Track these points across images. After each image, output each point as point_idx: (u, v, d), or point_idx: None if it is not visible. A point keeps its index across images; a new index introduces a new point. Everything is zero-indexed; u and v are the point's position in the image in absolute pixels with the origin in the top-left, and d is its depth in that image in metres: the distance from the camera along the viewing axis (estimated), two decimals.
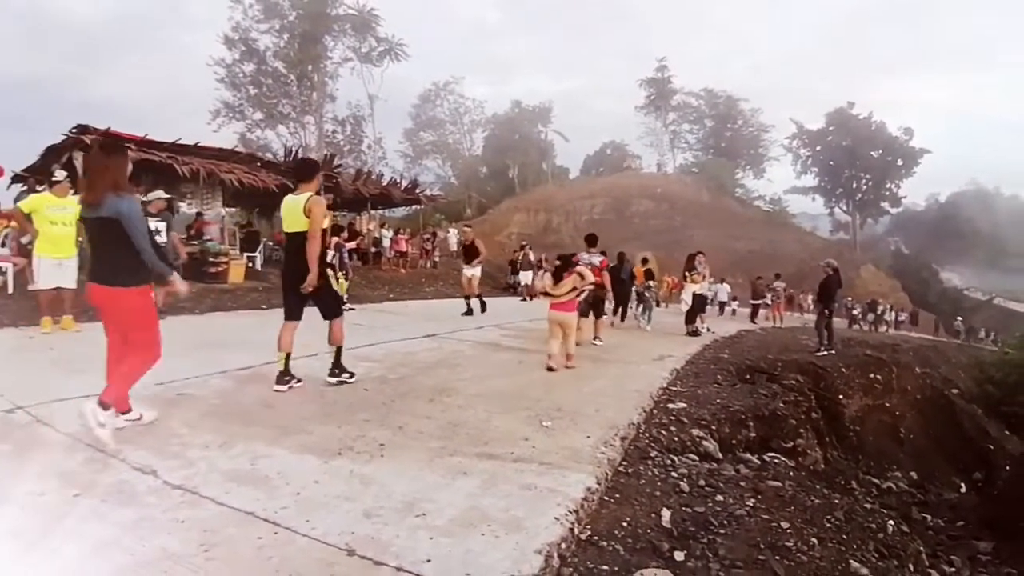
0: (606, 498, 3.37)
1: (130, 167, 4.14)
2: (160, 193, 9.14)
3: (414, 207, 26.43)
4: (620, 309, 12.65)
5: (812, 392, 8.24)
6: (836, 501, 4.13)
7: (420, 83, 59.85)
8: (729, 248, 41.20)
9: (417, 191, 23.01)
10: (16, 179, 13.69)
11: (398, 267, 20.60)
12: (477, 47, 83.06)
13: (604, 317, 10.01)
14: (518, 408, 4.81)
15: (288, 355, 5.01)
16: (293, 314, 5.08)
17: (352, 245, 12.60)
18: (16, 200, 13.22)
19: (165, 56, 68.20)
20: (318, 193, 5.02)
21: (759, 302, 19.90)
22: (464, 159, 58.71)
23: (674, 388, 6.52)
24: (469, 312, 11.35)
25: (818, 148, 61.76)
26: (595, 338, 9.20)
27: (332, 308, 5.25)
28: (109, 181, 3.63)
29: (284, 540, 2.51)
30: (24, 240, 8.54)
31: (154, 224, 8.52)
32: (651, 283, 13.49)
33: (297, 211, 4.88)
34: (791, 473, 4.77)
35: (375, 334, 8.44)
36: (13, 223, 8.96)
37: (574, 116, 77.92)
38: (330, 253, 11.84)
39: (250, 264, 15.26)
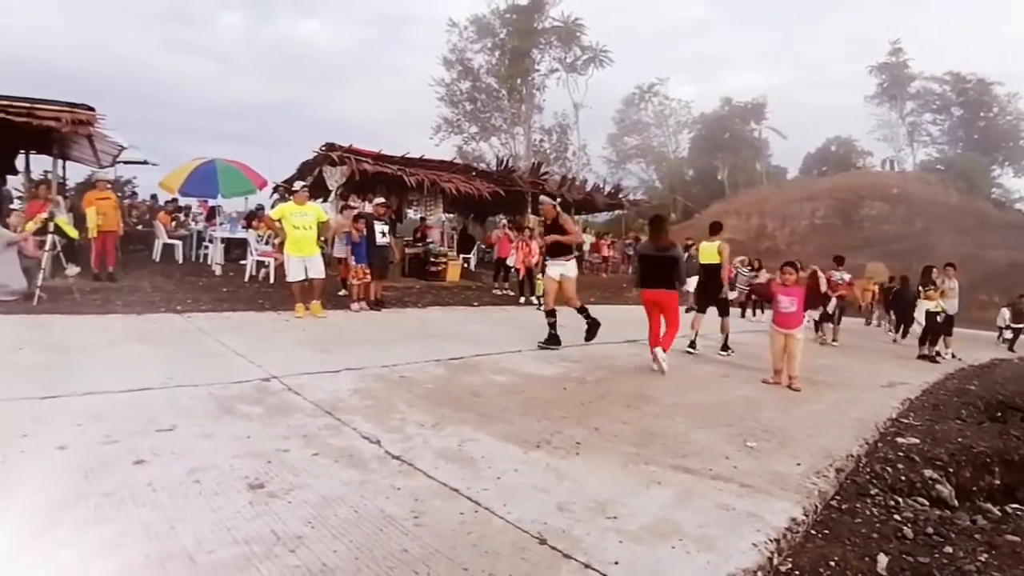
0: (813, 532, 3.05)
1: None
2: (380, 199, 10.62)
3: (617, 212, 26.40)
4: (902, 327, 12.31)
5: None
6: None
7: (624, 87, 59.12)
8: (983, 259, 34.39)
9: (620, 196, 22.98)
10: (275, 189, 16.40)
11: (599, 272, 20.72)
12: (682, 45, 79.91)
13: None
14: (720, 424, 4.56)
15: (697, 332, 8.15)
16: (703, 309, 8.50)
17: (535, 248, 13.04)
18: (273, 207, 15.94)
19: (394, 79, 76.72)
20: (724, 240, 8.30)
21: (1020, 326, 16.27)
22: (669, 162, 56.75)
23: (905, 421, 5.66)
24: (553, 340, 7.47)
25: None
26: (832, 340, 10.96)
27: (726, 309, 8.54)
28: (671, 240, 6.89)
29: (483, 519, 2.65)
30: (276, 241, 10.22)
31: (379, 227, 9.71)
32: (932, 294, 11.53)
33: (712, 251, 8.41)
34: None
35: (575, 336, 8.57)
36: (264, 226, 11.10)
37: (792, 110, 71.16)
38: (535, 257, 12.45)
39: (465, 264, 16.53)
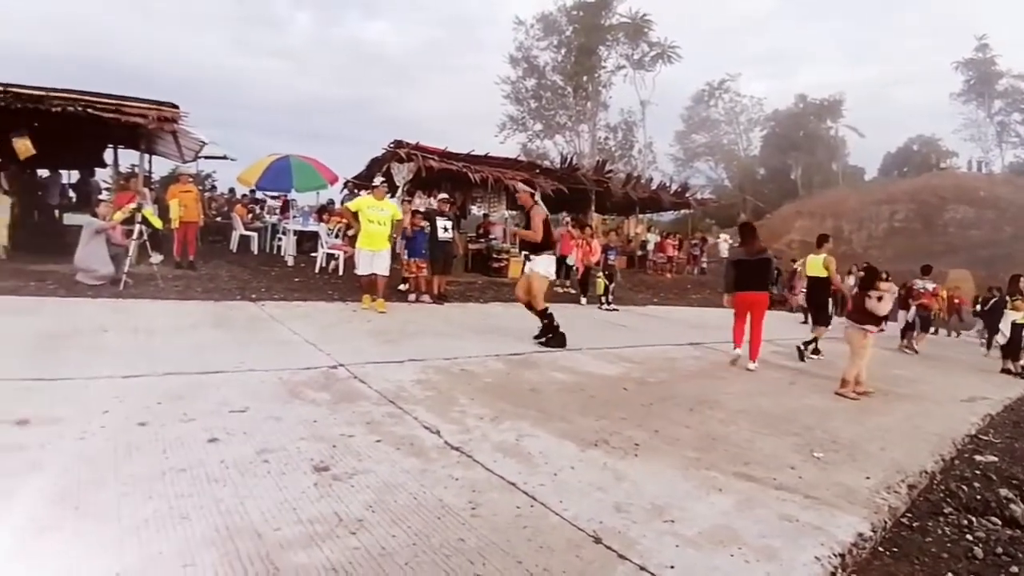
0: (881, 549, 2.90)
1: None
2: (444, 195, 11.02)
3: (683, 211, 25.83)
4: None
5: None
6: None
7: (693, 84, 57.74)
8: None
9: (687, 195, 22.48)
10: (345, 185, 16.87)
11: (664, 272, 20.35)
12: (755, 40, 76.83)
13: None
14: (786, 432, 4.40)
15: (816, 340, 8.28)
16: (816, 321, 8.82)
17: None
18: (342, 202, 16.44)
19: (461, 77, 77.74)
20: (829, 253, 8.53)
21: None
22: (739, 160, 54.99)
23: (984, 438, 5.32)
24: (553, 339, 6.93)
25: None
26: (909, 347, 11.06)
27: (826, 320, 8.68)
28: (762, 245, 7.20)
29: (539, 514, 2.65)
30: (350, 233, 10.50)
31: (442, 222, 9.87)
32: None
33: (818, 264, 8.58)
34: None
35: (637, 336, 8.49)
36: (343, 219, 11.36)
37: (871, 108, 67.37)
38: (596, 255, 12.32)
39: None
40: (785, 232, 42.00)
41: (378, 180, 8.91)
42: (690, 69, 71.28)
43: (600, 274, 12.03)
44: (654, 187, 21.39)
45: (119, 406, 3.47)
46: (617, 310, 11.42)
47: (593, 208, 19.03)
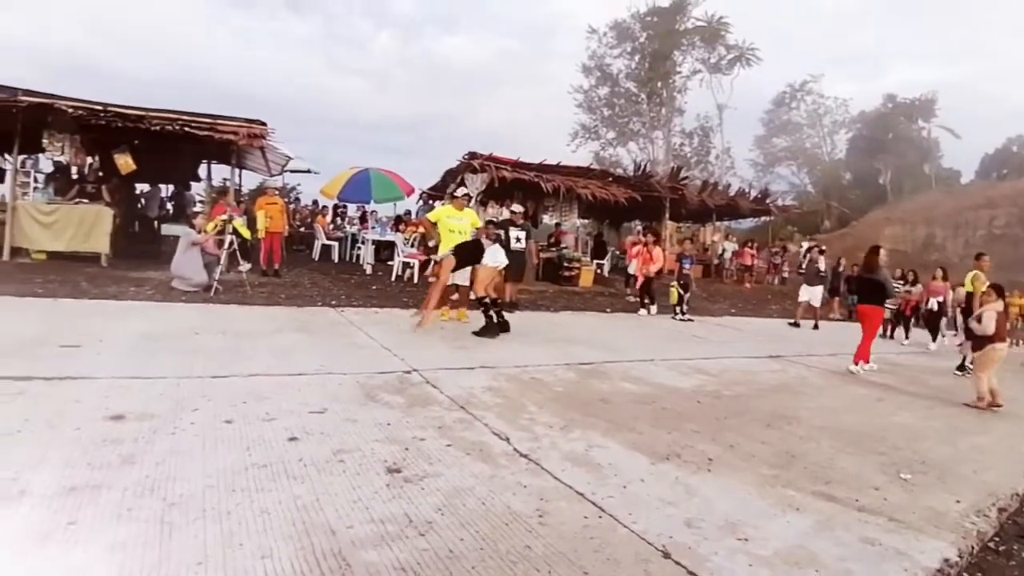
0: (965, 575, 2.69)
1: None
2: (517, 207, 11.05)
3: (763, 219, 24.89)
4: None
5: None
6: None
7: (773, 86, 55.43)
8: None
9: (767, 201, 21.65)
10: (421, 196, 17.29)
11: (742, 281, 19.66)
12: (839, 39, 72.84)
13: None
14: (871, 452, 4.15)
15: (965, 359, 8.23)
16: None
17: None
18: (418, 213, 16.85)
19: (533, 87, 78.16)
20: (980, 270, 8.42)
21: None
22: (823, 164, 52.10)
23: None
24: (487, 328, 7.22)
25: None
26: None
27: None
28: (878, 264, 7.73)
29: (607, 526, 2.61)
30: (430, 244, 10.74)
31: (515, 232, 9.95)
32: None
33: (968, 279, 8.47)
34: None
35: (712, 348, 8.23)
36: (421, 229, 11.63)
37: (966, 107, 62.03)
38: (658, 264, 11.88)
39: (598, 271, 16.41)
40: (873, 240, 39.31)
41: (460, 191, 9.04)
42: (770, 71, 68.71)
43: (674, 283, 11.70)
44: (732, 193, 20.74)
45: (208, 404, 3.68)
46: (692, 320, 11.11)
47: (667, 216, 18.65)
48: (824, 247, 15.14)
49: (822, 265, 13.03)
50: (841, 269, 15.90)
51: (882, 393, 6.42)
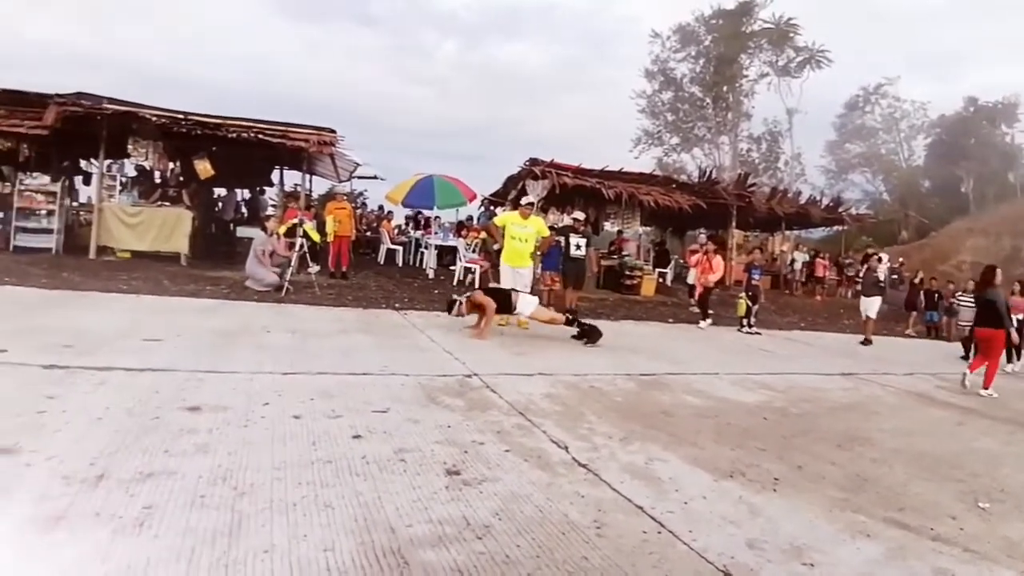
0: None
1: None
2: (578, 214, 10.99)
3: (835, 228, 23.85)
4: None
5: None
6: None
7: (846, 90, 52.73)
8: None
9: (839, 210, 20.75)
10: (483, 202, 17.47)
11: (813, 293, 18.90)
12: (918, 40, 68.64)
13: None
14: (948, 478, 3.91)
15: None
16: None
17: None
18: (479, 219, 17.01)
19: (595, 92, 77.65)
20: None
21: None
22: (900, 172, 49.09)
23: None
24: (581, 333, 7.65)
25: None
26: None
27: None
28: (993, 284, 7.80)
29: (666, 542, 2.55)
30: (495, 247, 10.84)
31: (575, 239, 9.91)
32: None
33: None
34: None
35: (779, 363, 7.95)
36: (483, 234, 11.72)
37: None
38: (717, 273, 11.40)
39: (661, 279, 16.13)
40: (954, 252, 36.91)
41: (525, 200, 9.06)
42: (842, 74, 65.55)
43: (742, 295, 11.32)
44: (802, 201, 20.00)
45: (278, 399, 3.83)
46: (760, 334, 10.74)
47: (734, 224, 18.16)
48: (882, 255, 14.11)
49: (881, 274, 12.05)
50: (918, 281, 15.07)
51: (962, 416, 6.03)
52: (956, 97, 54.95)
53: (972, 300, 10.89)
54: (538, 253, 9.32)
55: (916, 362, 9.70)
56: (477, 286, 10.61)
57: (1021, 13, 63.91)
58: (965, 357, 10.88)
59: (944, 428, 5.49)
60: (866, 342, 11.04)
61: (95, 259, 10.64)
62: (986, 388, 7.35)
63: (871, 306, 11.38)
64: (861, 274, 13.71)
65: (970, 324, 10.85)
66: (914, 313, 15.00)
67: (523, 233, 8.32)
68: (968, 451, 4.73)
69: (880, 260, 12.65)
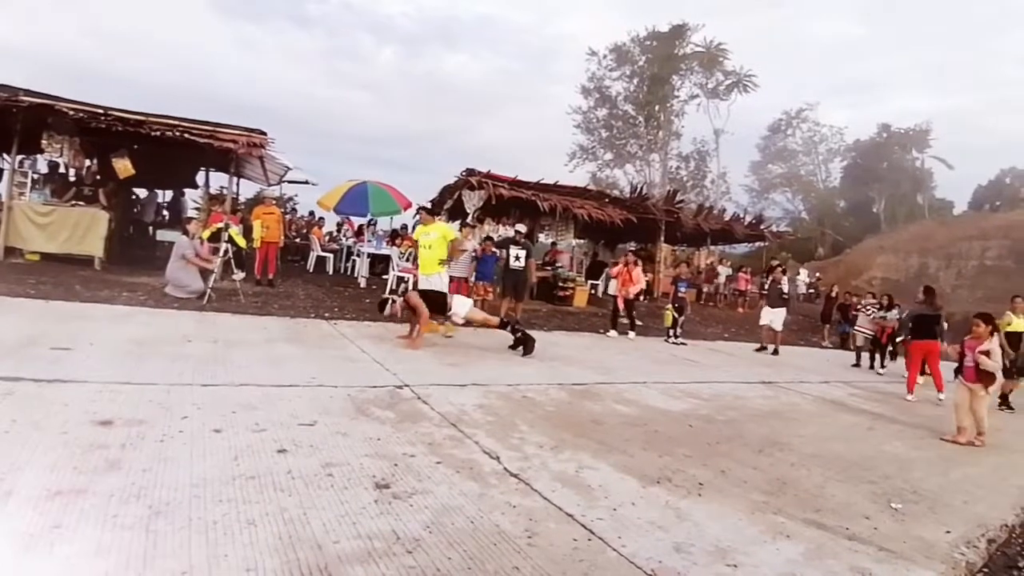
0: None
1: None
2: (520, 227, 11.17)
3: (757, 244, 25.03)
4: None
5: None
6: None
7: (769, 113, 56.01)
8: None
9: (761, 227, 21.80)
10: (418, 211, 17.25)
11: (736, 306, 19.73)
12: (836, 68, 73.90)
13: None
14: (862, 480, 4.16)
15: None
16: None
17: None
18: (413, 228, 16.82)
19: (532, 107, 79.01)
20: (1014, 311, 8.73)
21: None
22: (818, 192, 52.55)
23: None
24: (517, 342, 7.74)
25: None
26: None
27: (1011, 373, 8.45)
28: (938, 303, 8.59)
29: (596, 548, 2.58)
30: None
31: (515, 251, 9.98)
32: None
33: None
34: None
35: (704, 372, 8.24)
36: (407, 244, 11.67)
37: (960, 138, 63.19)
38: (637, 286, 11.63)
39: (593, 291, 16.42)
40: (866, 268, 39.78)
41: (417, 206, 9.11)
42: (767, 98, 69.63)
43: (668, 306, 11.67)
44: (727, 218, 20.89)
45: (197, 412, 3.65)
46: (686, 344, 11.12)
47: (663, 238, 18.74)
48: (785, 267, 14.89)
49: (785, 287, 12.48)
50: (834, 295, 15.99)
51: (872, 422, 6.43)
52: (871, 123, 59.29)
53: (877, 308, 11.67)
54: (449, 259, 8.74)
55: (831, 371, 10.27)
56: None
57: (933, 45, 69.46)
58: (856, 365, 11.63)
59: (857, 433, 5.82)
60: (775, 352, 11.57)
61: (2, 261, 9.86)
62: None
63: (776, 317, 11.81)
64: (766, 286, 13.68)
65: (865, 330, 11.63)
66: (828, 325, 15.85)
67: (427, 240, 8.31)
68: (879, 454, 5.03)
69: (784, 272, 13.24)
